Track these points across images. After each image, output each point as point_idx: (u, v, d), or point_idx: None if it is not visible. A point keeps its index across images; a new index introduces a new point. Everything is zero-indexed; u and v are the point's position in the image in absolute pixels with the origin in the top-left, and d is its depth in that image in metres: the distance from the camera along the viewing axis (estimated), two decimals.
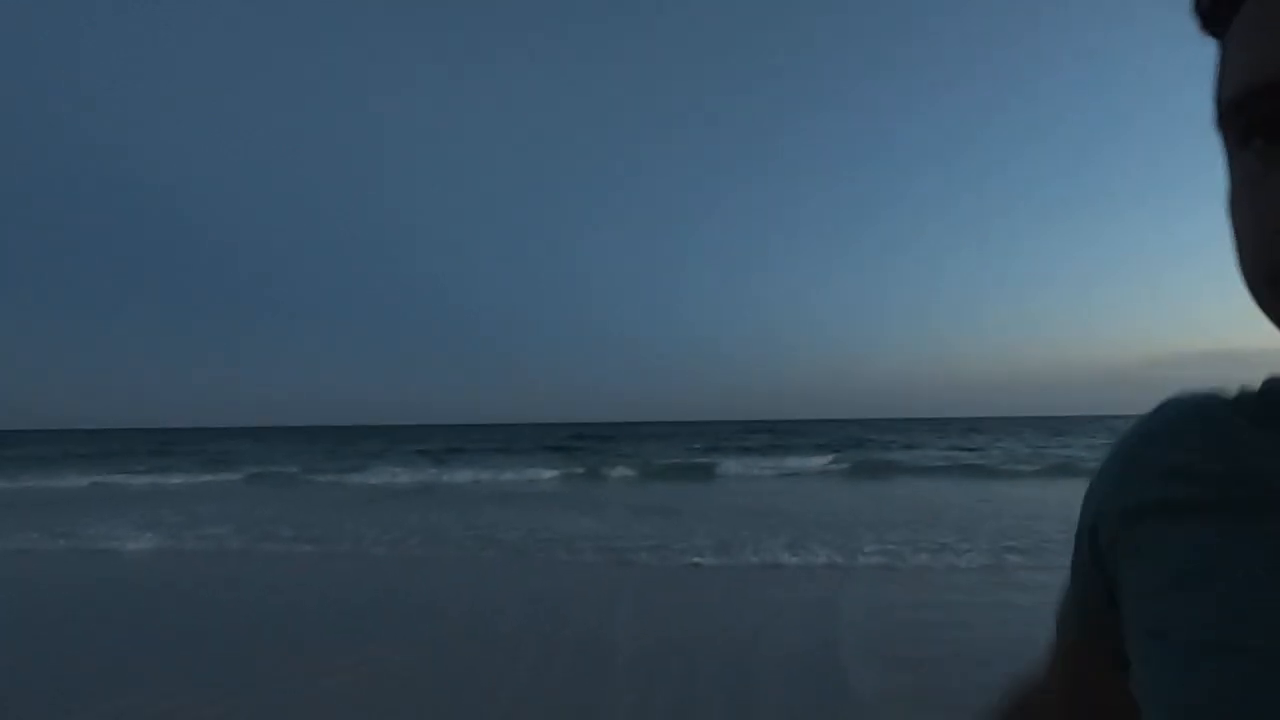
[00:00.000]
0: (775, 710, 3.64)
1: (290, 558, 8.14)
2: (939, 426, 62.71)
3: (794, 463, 22.02)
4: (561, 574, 7.17)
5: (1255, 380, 0.42)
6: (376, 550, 8.48)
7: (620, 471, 20.32)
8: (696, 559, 7.51)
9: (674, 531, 9.25)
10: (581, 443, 37.08)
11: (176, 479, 19.75)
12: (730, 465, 21.84)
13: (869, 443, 34.20)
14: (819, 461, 22.25)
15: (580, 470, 20.46)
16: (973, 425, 62.71)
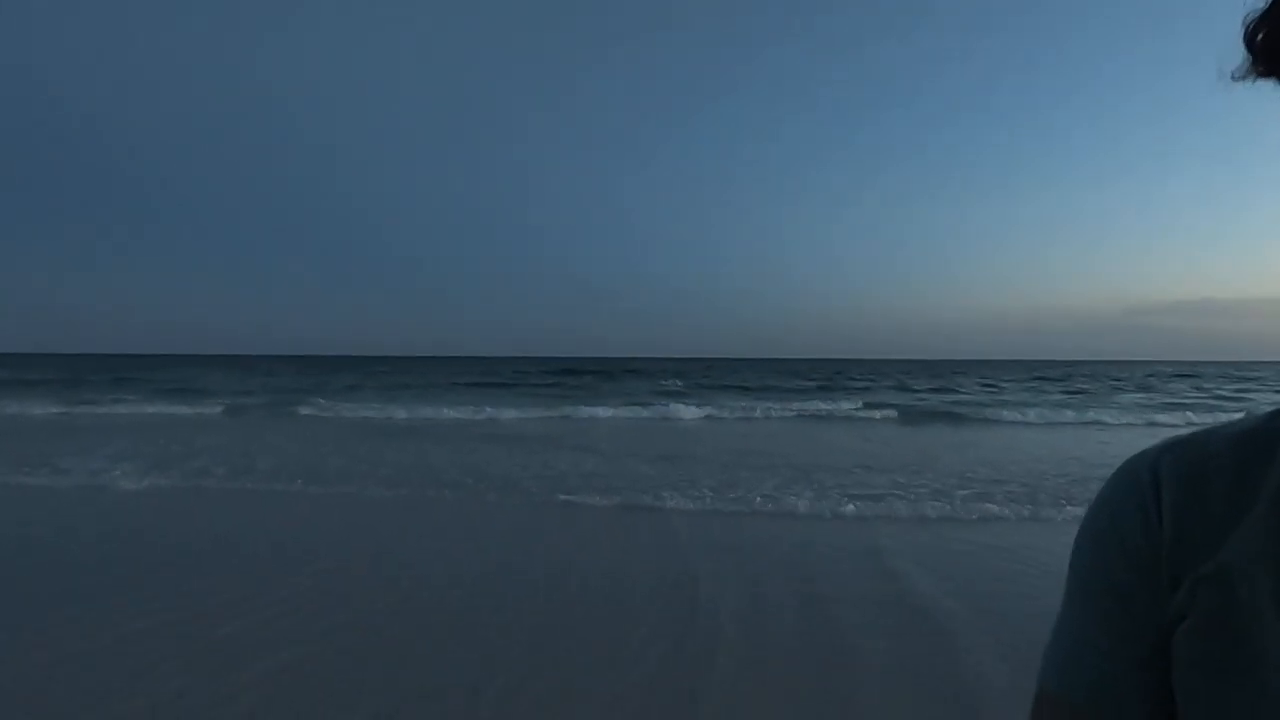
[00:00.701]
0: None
1: (293, 498, 7.46)
2: (928, 369, 63.13)
3: (827, 406, 21.48)
4: (565, 519, 6.61)
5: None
6: (378, 490, 7.81)
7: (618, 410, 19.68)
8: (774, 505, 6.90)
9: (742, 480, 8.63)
10: (576, 379, 36.40)
11: (150, 409, 18.75)
12: (745, 407, 21.22)
13: (878, 386, 33.81)
14: (847, 406, 21.61)
15: (570, 409, 19.72)
16: (957, 369, 63.26)
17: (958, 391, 29.52)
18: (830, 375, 43.71)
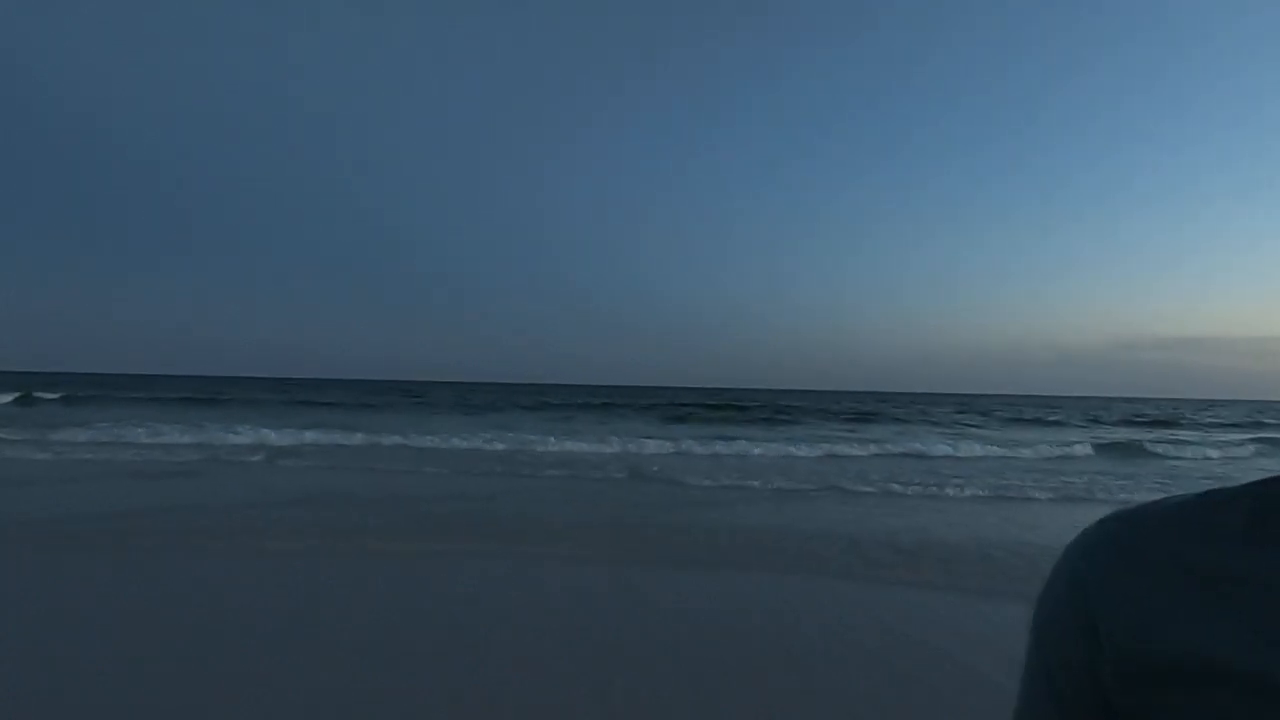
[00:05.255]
0: None
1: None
2: (946, 401, 63.00)
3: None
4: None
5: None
6: None
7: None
8: None
9: None
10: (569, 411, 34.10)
11: (308, 435, 15.86)
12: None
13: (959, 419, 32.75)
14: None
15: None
16: (963, 403, 63.37)
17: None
18: (871, 411, 42.51)
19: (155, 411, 23.45)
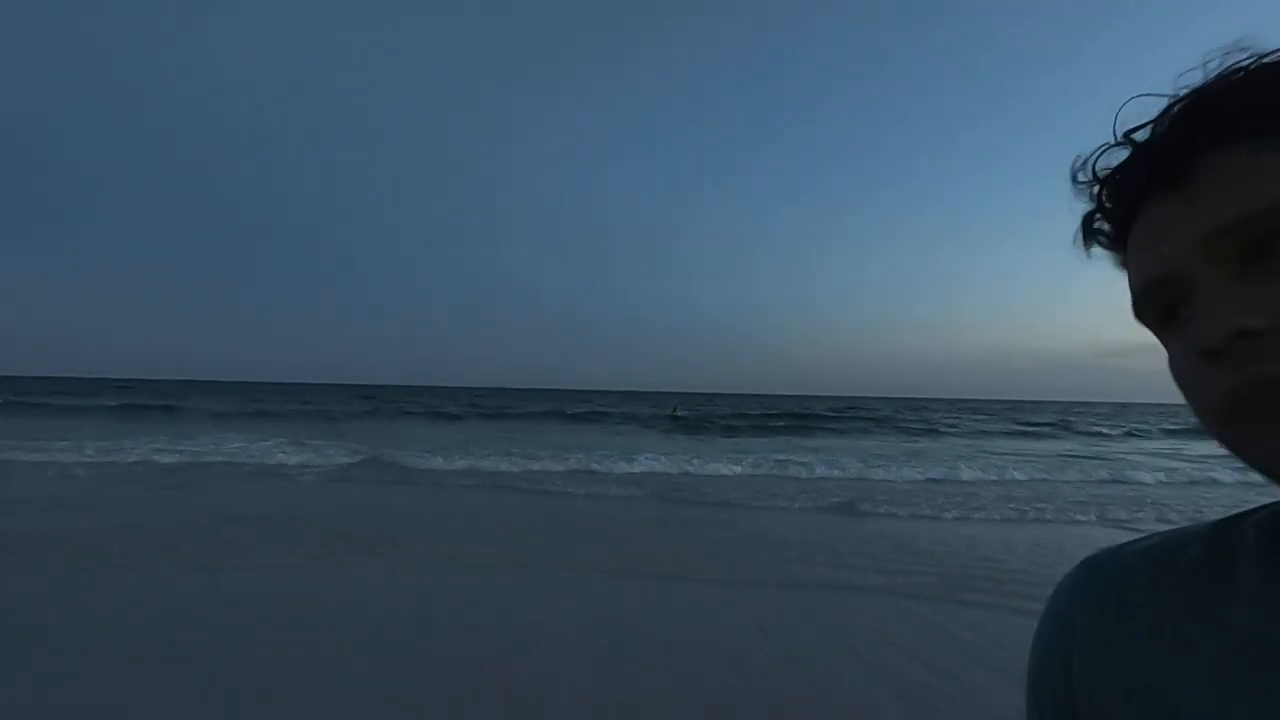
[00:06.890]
0: None
1: None
2: (936, 406, 62.01)
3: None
4: None
5: None
6: None
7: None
8: None
9: None
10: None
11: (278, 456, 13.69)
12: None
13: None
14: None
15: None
16: (952, 407, 62.43)
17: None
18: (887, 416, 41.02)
19: (140, 422, 21.41)
